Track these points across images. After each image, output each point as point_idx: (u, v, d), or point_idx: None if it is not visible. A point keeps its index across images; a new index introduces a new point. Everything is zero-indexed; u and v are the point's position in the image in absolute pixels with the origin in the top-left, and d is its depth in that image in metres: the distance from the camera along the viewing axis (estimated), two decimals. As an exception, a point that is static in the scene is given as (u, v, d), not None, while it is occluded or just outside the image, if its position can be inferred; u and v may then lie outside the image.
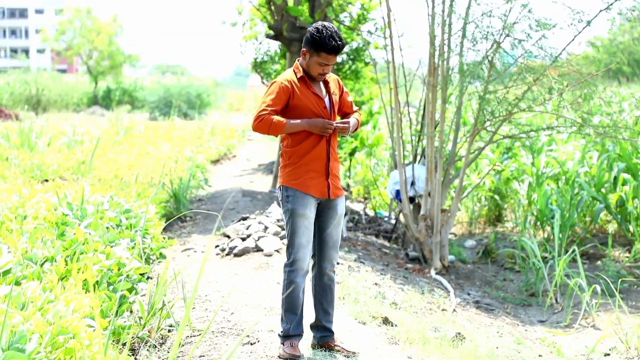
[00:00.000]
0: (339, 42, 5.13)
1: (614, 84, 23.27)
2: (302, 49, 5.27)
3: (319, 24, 5.23)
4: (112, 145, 17.88)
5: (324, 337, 5.43)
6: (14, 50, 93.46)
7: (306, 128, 5.16)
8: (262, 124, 5.08)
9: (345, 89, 5.54)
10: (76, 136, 18.22)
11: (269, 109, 5.11)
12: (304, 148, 5.25)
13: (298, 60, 5.38)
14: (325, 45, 5.11)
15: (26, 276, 5.23)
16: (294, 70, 5.33)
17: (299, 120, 5.15)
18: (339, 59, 16.26)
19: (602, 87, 9.81)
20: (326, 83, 5.40)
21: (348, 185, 17.95)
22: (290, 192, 5.25)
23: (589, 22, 9.38)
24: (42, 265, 5.67)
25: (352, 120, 5.37)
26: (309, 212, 5.23)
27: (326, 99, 5.33)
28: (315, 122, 5.15)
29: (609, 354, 7.30)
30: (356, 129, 5.49)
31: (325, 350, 5.39)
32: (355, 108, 5.59)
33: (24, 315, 4.09)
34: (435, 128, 10.26)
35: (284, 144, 5.37)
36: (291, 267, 5.25)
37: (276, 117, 5.07)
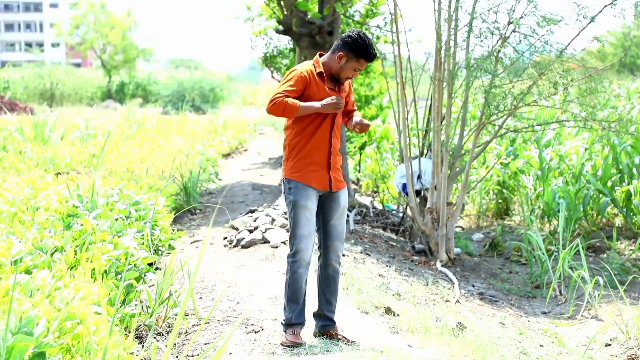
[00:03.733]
0: (375, 51, 5.40)
1: (627, 78, 23.29)
2: (339, 53, 5.38)
3: (357, 31, 5.41)
4: (124, 139, 18.06)
5: (325, 326, 5.57)
6: (29, 44, 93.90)
7: (319, 109, 5.27)
8: (276, 106, 5.22)
9: (352, 92, 5.70)
10: (89, 130, 18.40)
11: (285, 93, 5.25)
12: (306, 141, 5.39)
13: (319, 55, 5.54)
14: (368, 53, 5.35)
15: (37, 265, 5.39)
16: (313, 64, 5.48)
17: (311, 103, 5.28)
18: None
19: (607, 82, 9.90)
20: (341, 83, 5.55)
21: (358, 179, 18.08)
22: (292, 185, 5.40)
23: (592, 18, 9.47)
24: (52, 255, 5.83)
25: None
26: (311, 204, 5.37)
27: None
28: (326, 102, 5.27)
29: (609, 344, 7.40)
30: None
31: (326, 339, 5.53)
32: (355, 108, 5.75)
33: (33, 302, 4.24)
34: (441, 122, 10.37)
35: (287, 137, 5.51)
36: (294, 258, 5.39)
37: (290, 99, 5.22)
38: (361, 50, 5.33)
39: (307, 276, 5.45)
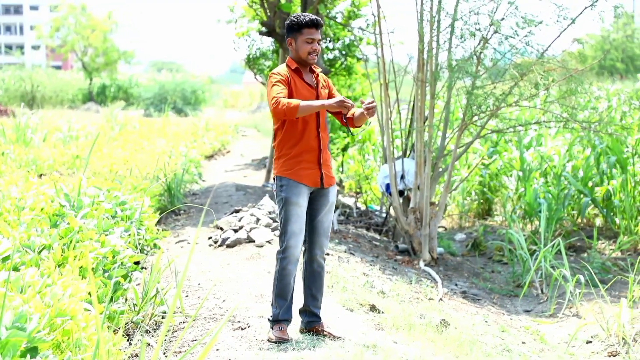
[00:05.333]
0: (313, 16, 5.47)
1: (607, 81, 23.52)
2: (287, 41, 5.54)
3: (292, 15, 5.57)
4: (107, 140, 18.03)
5: (311, 322, 5.63)
6: (9, 47, 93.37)
7: (324, 107, 5.28)
8: (280, 107, 5.21)
9: (333, 87, 5.77)
10: (71, 132, 18.36)
11: (281, 94, 5.28)
12: (296, 139, 5.47)
13: (288, 56, 5.62)
14: (302, 20, 5.44)
15: (24, 262, 5.42)
16: (287, 64, 5.56)
17: (311, 102, 5.30)
18: (330, 55, 16.46)
19: (588, 84, 10.01)
20: (317, 77, 5.63)
21: (341, 180, 18.14)
22: (284, 182, 5.46)
23: (573, 20, 9.59)
24: (39, 252, 5.86)
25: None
26: (302, 201, 5.44)
27: (316, 91, 5.57)
28: (332, 102, 5.28)
29: (590, 341, 7.50)
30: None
31: (312, 335, 5.59)
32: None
33: (24, 298, 4.28)
34: (424, 123, 10.46)
35: (276, 136, 5.59)
36: (283, 254, 5.45)
37: (293, 101, 5.22)
38: (296, 23, 5.45)
39: (295, 273, 5.52)
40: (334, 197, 5.62)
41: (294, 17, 5.50)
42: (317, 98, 5.53)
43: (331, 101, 5.28)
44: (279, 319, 5.45)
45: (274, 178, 5.58)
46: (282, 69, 5.51)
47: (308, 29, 5.43)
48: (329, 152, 5.67)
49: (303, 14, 5.49)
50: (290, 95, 5.42)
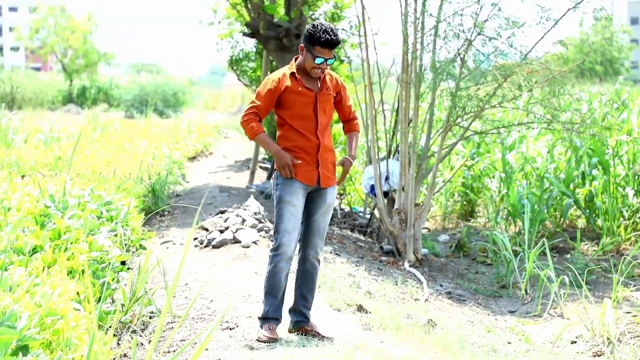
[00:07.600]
0: (332, 37, 5.39)
1: (587, 83, 23.69)
2: (300, 45, 5.54)
3: (317, 21, 5.53)
4: (89, 142, 17.96)
5: (299, 322, 5.63)
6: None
7: (273, 155, 5.51)
8: (244, 124, 5.52)
9: (345, 94, 5.74)
10: (53, 133, 18.29)
11: (256, 109, 5.48)
12: (293, 138, 5.50)
13: (295, 57, 5.65)
14: (319, 38, 5.37)
15: (13, 262, 5.39)
16: (289, 65, 5.60)
17: (270, 143, 5.53)
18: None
19: (570, 85, 10.08)
20: (323, 81, 5.61)
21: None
22: (280, 180, 5.50)
23: (556, 21, 9.66)
24: (30, 254, 5.82)
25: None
26: (296, 200, 5.45)
27: (315, 95, 5.53)
28: (281, 155, 5.46)
29: (575, 342, 7.55)
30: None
31: (301, 334, 5.59)
32: (353, 117, 5.85)
33: (14, 298, 4.26)
34: (408, 124, 10.49)
35: (278, 134, 5.61)
36: (276, 252, 5.47)
37: (255, 125, 5.47)
38: (313, 37, 5.40)
39: (287, 271, 5.53)
40: (332, 199, 5.63)
41: (314, 30, 5.41)
42: (315, 101, 5.51)
43: (280, 154, 5.46)
44: (268, 317, 5.46)
45: (274, 175, 5.60)
46: (278, 74, 5.56)
47: (321, 48, 5.39)
48: (333, 152, 5.66)
49: (325, 30, 5.37)
50: (284, 99, 5.48)
